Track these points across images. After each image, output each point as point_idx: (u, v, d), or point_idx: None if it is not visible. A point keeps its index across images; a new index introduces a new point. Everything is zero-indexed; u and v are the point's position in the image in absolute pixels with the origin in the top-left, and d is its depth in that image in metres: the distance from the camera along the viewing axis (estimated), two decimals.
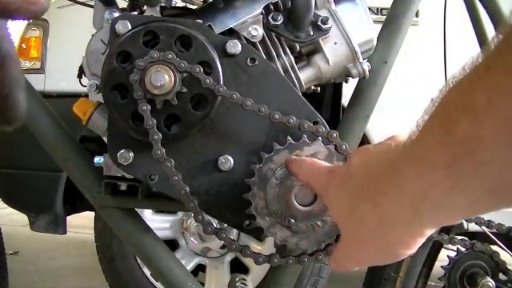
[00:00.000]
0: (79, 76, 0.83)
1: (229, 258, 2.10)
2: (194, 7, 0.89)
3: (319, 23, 0.77)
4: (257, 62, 0.72)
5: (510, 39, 0.29)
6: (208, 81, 0.67)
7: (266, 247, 1.83)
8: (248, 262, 2.02)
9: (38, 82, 1.98)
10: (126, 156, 0.72)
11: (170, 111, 0.69)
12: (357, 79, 0.85)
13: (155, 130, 0.67)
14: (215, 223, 0.97)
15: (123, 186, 0.81)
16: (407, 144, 0.38)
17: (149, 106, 0.67)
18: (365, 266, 0.50)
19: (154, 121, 0.67)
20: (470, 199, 0.34)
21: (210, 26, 0.76)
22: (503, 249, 0.99)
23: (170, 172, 0.68)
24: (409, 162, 0.37)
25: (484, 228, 0.92)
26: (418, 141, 0.36)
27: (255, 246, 1.88)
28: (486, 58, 0.31)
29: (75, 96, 0.85)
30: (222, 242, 0.70)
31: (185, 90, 0.68)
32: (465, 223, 1.22)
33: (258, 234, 0.72)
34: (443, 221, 0.38)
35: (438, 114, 0.34)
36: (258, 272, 1.94)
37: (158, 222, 2.07)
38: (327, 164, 0.56)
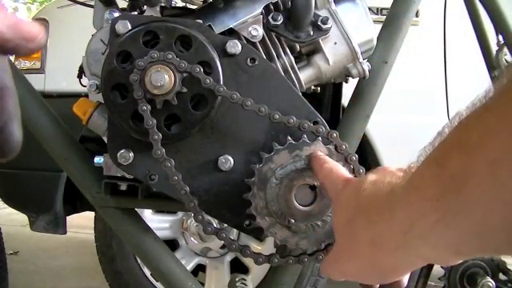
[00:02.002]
0: (79, 76, 0.83)
1: (229, 257, 2.10)
2: (194, 7, 0.89)
3: (319, 23, 0.77)
4: (257, 62, 0.72)
5: (507, 86, 0.30)
6: (208, 81, 0.67)
7: (266, 247, 1.83)
8: (248, 262, 2.02)
9: (38, 82, 1.98)
10: (126, 156, 0.72)
11: (170, 111, 0.69)
12: (357, 79, 0.85)
13: (155, 129, 0.67)
14: (215, 223, 0.97)
15: (123, 186, 0.81)
16: (408, 172, 0.40)
17: (149, 106, 0.67)
18: (349, 279, 0.51)
19: (154, 121, 0.67)
20: (455, 237, 0.34)
21: (210, 25, 0.76)
22: None
23: (170, 172, 0.68)
24: (404, 189, 0.39)
25: None
26: (417, 170, 0.38)
27: (255, 246, 1.88)
28: (485, 100, 0.32)
29: (75, 96, 0.85)
30: (222, 242, 0.70)
31: (185, 90, 0.68)
32: None
33: (258, 234, 0.72)
34: (429, 257, 0.39)
35: (437, 148, 0.36)
36: (257, 272, 1.94)
37: (158, 222, 2.07)
38: (347, 172, 0.57)
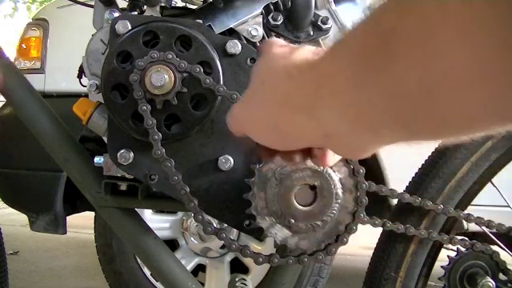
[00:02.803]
0: (79, 76, 0.83)
1: (229, 258, 2.10)
2: (194, 7, 0.89)
3: (319, 23, 0.77)
4: None
5: None
6: (208, 81, 0.67)
7: (266, 247, 1.83)
8: (248, 262, 2.02)
9: (38, 82, 1.98)
10: (126, 156, 0.72)
11: (170, 111, 0.69)
12: None
13: (155, 129, 0.67)
14: (215, 223, 0.97)
15: (123, 186, 0.81)
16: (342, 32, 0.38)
17: (149, 106, 0.67)
18: (246, 134, 0.46)
19: (154, 121, 0.67)
20: (367, 100, 0.32)
21: (209, 25, 0.76)
22: (503, 249, 0.99)
23: (169, 172, 0.68)
24: (331, 45, 0.36)
25: (484, 228, 0.93)
26: (351, 27, 0.35)
27: (255, 246, 1.88)
28: None
29: (75, 96, 0.85)
30: (222, 241, 0.71)
31: (185, 89, 0.68)
32: (465, 223, 1.22)
33: (258, 234, 0.72)
34: (334, 127, 0.36)
35: (376, 6, 0.33)
36: (258, 272, 1.94)
37: (158, 222, 2.07)
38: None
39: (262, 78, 0.44)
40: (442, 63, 0.28)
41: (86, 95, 0.78)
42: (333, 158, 0.47)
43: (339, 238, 0.69)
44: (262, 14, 0.77)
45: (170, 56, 0.67)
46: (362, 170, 0.68)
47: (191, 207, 0.69)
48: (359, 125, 0.34)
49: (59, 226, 1.95)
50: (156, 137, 0.67)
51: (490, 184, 0.93)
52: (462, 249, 0.94)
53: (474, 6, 0.26)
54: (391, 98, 0.31)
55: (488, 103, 0.27)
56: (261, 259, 0.70)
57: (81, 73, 0.81)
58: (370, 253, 1.04)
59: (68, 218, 2.00)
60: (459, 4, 0.26)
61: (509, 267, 0.97)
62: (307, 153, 0.47)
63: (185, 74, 0.68)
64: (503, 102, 0.27)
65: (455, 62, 0.27)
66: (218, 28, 0.76)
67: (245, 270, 2.03)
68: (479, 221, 0.90)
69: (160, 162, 0.68)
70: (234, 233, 1.89)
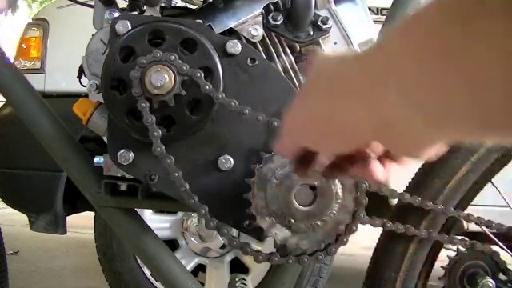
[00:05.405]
0: (79, 76, 0.83)
1: (229, 258, 2.09)
2: (194, 7, 0.89)
3: (319, 23, 0.77)
4: (257, 62, 0.72)
5: None
6: (207, 87, 0.67)
7: (266, 246, 1.83)
8: (248, 262, 2.02)
9: (38, 82, 1.97)
10: (126, 156, 0.72)
11: (165, 112, 0.69)
12: None
13: (155, 126, 0.67)
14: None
15: (123, 186, 0.81)
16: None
17: (148, 104, 0.66)
18: (293, 142, 0.43)
19: (154, 118, 0.67)
20: (440, 84, 0.29)
21: (209, 25, 0.76)
22: (503, 249, 0.99)
23: (170, 168, 0.68)
24: (404, 22, 0.33)
25: (484, 228, 0.93)
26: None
27: (255, 246, 1.88)
28: None
29: (75, 96, 0.85)
30: (222, 242, 0.70)
31: (183, 92, 0.68)
32: (465, 223, 1.22)
33: (258, 234, 0.72)
34: (398, 110, 0.33)
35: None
36: (257, 272, 1.94)
37: (158, 222, 2.07)
38: None
39: (317, 69, 0.41)
40: None
41: (86, 95, 0.78)
42: (381, 170, 0.43)
43: (339, 237, 0.69)
44: (261, 14, 0.77)
45: (173, 57, 0.66)
46: None
47: (192, 204, 0.69)
48: (424, 109, 0.31)
49: (59, 226, 1.95)
50: (156, 133, 0.67)
51: (490, 184, 0.93)
52: (462, 249, 0.94)
53: None
54: (469, 85, 0.27)
55: None
56: (261, 257, 0.70)
57: (81, 73, 0.81)
58: (370, 253, 1.04)
59: (68, 218, 2.00)
60: None
61: (509, 267, 0.97)
62: (349, 165, 0.44)
63: (185, 78, 0.67)
64: None
65: None
66: (218, 28, 0.76)
67: (245, 270, 2.03)
68: (479, 221, 0.90)
69: (160, 159, 0.68)
70: (234, 232, 1.89)
